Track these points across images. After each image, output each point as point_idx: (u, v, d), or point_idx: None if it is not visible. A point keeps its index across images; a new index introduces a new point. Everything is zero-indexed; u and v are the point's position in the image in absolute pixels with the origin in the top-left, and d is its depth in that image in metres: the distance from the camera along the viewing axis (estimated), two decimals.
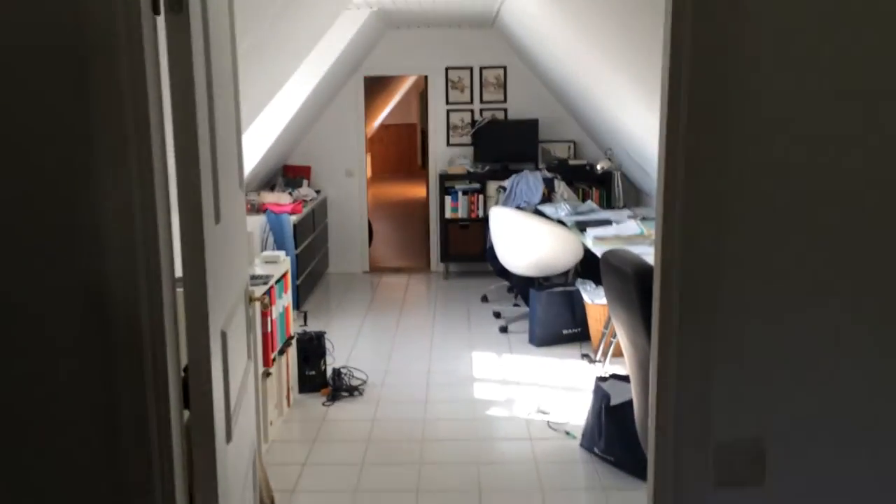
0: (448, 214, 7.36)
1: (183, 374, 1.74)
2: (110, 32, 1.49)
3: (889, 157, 1.59)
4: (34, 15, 1.48)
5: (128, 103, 1.52)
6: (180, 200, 1.64)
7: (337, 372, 4.67)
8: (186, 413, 1.75)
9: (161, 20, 1.59)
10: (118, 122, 1.52)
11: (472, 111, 7.68)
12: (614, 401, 3.56)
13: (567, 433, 4.00)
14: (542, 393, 4.57)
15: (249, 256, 4.04)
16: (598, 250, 4.66)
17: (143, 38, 1.51)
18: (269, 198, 6.35)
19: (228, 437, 1.92)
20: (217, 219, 1.84)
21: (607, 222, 5.50)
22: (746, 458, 1.69)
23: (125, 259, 1.57)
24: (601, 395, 3.66)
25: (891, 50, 1.56)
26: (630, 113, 5.23)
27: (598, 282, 5.09)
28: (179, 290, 1.68)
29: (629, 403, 3.23)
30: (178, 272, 1.69)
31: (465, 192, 7.32)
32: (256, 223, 5.94)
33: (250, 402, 2.45)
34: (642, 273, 2.55)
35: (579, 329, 5.44)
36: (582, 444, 3.83)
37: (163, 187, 1.61)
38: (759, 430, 1.68)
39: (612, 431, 3.57)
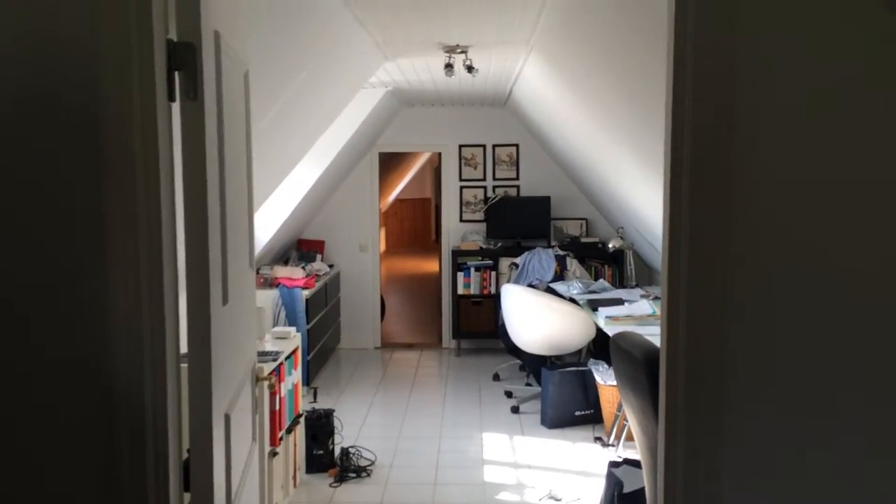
0: (461, 290, 7.36)
1: (186, 455, 1.71)
2: (126, 117, 1.53)
3: None
4: (54, 96, 1.52)
5: (140, 185, 1.54)
6: (188, 283, 1.65)
7: (345, 452, 4.58)
8: (187, 496, 1.71)
9: (176, 106, 1.63)
10: (130, 203, 1.54)
11: (484, 188, 7.76)
12: (627, 488, 3.46)
13: None
14: (554, 477, 4.46)
15: (260, 332, 4.02)
16: (610, 330, 4.61)
17: (158, 124, 1.54)
18: (282, 272, 6.38)
19: None
20: (225, 300, 1.84)
21: (619, 301, 5.47)
22: None
23: (130, 339, 1.56)
24: (614, 482, 3.56)
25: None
26: (640, 192, 5.26)
27: (610, 362, 5.02)
28: (184, 365, 1.67)
29: (642, 491, 3.14)
30: (184, 347, 1.68)
31: (477, 269, 7.33)
32: (269, 297, 5.96)
33: (254, 484, 2.40)
34: (652, 358, 2.51)
35: (592, 410, 5.34)
36: None
37: (171, 267, 1.61)
38: None
39: None
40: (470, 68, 4.75)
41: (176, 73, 1.60)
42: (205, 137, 1.62)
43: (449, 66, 4.71)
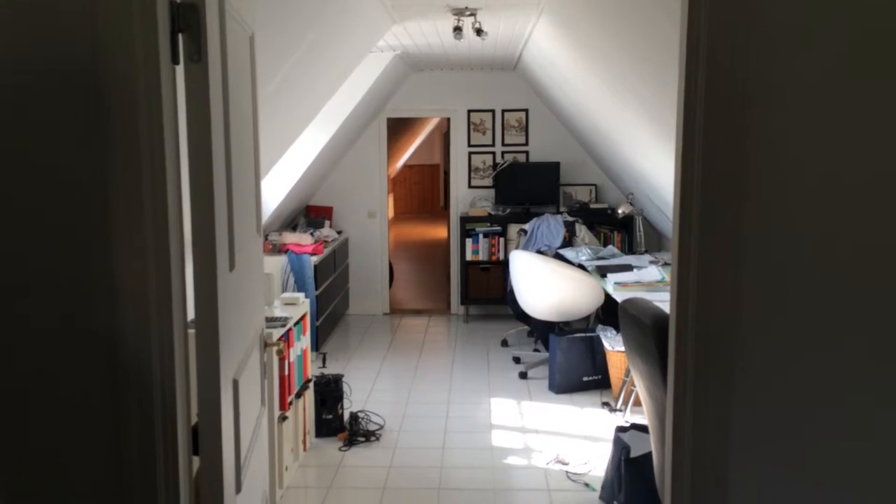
0: (469, 257, 7.34)
1: (195, 420, 1.72)
2: (129, 81, 1.50)
3: None
4: (54, 62, 1.50)
5: (145, 150, 1.52)
6: (194, 249, 1.64)
7: (354, 416, 4.62)
8: (196, 459, 1.72)
9: (180, 69, 1.61)
10: (134, 169, 1.53)
11: (493, 153, 7.70)
12: (634, 452, 3.48)
13: (586, 485, 3.91)
14: (562, 442, 4.48)
15: (269, 298, 4.03)
16: (619, 296, 4.60)
17: (162, 87, 1.52)
18: (290, 238, 6.38)
19: (238, 488, 1.88)
20: (231, 266, 1.83)
21: (628, 267, 5.45)
22: None
23: (137, 306, 1.56)
24: (621, 447, 3.58)
25: None
26: (650, 158, 5.21)
27: (618, 328, 5.02)
28: (192, 331, 1.67)
29: (649, 455, 3.15)
30: (192, 313, 1.68)
31: (485, 235, 7.31)
32: (277, 263, 5.97)
33: (263, 449, 2.41)
34: (661, 324, 2.50)
35: (600, 376, 5.36)
36: (601, 497, 3.73)
37: (177, 233, 1.60)
38: (779, 495, 1.62)
39: (631, 485, 3.48)
40: (479, 31, 4.68)
41: (179, 35, 1.58)
42: (210, 100, 1.60)
43: (458, 30, 4.65)
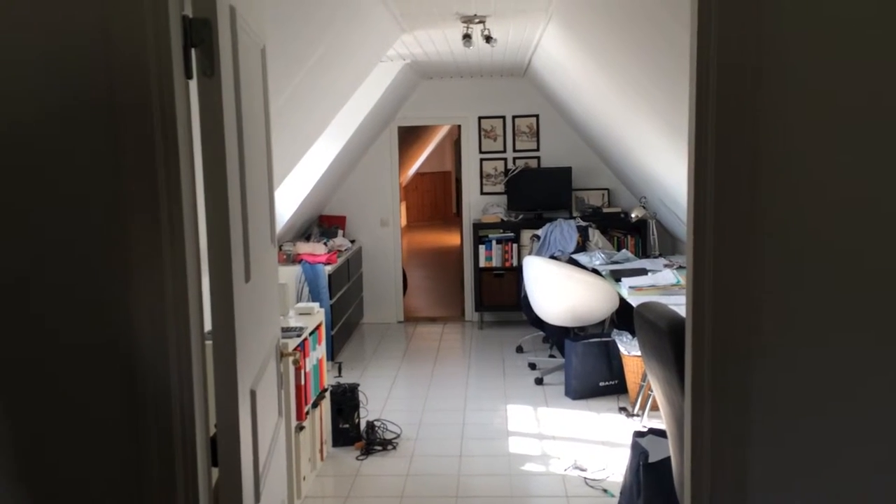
0: (482, 263, 7.34)
1: (213, 431, 1.73)
2: (144, 96, 1.52)
3: None
4: (68, 78, 1.52)
5: (159, 164, 1.54)
6: (210, 260, 1.65)
7: (371, 425, 4.62)
8: (215, 471, 1.73)
9: (194, 83, 1.62)
10: (150, 182, 1.54)
11: (504, 160, 7.71)
12: (652, 458, 3.46)
13: (605, 491, 3.89)
14: (579, 448, 4.47)
15: (283, 308, 4.05)
16: (634, 300, 4.59)
17: (176, 102, 1.53)
18: (304, 248, 6.41)
19: (257, 498, 1.89)
20: (247, 277, 1.84)
21: (643, 271, 5.43)
22: None
23: (154, 319, 1.57)
24: (639, 452, 3.56)
25: None
26: (662, 161, 5.20)
27: (634, 332, 5.00)
28: (209, 342, 1.68)
29: (668, 460, 3.13)
30: (209, 324, 1.69)
31: (498, 241, 7.31)
32: (292, 273, 5.99)
33: (281, 460, 2.42)
34: (677, 328, 2.49)
35: (616, 381, 5.33)
36: (620, 503, 3.71)
37: (193, 246, 1.62)
38: (798, 499, 1.60)
39: (650, 490, 3.46)
40: (488, 38, 4.69)
41: (192, 50, 1.59)
42: (223, 114, 1.61)
43: (467, 37, 4.66)
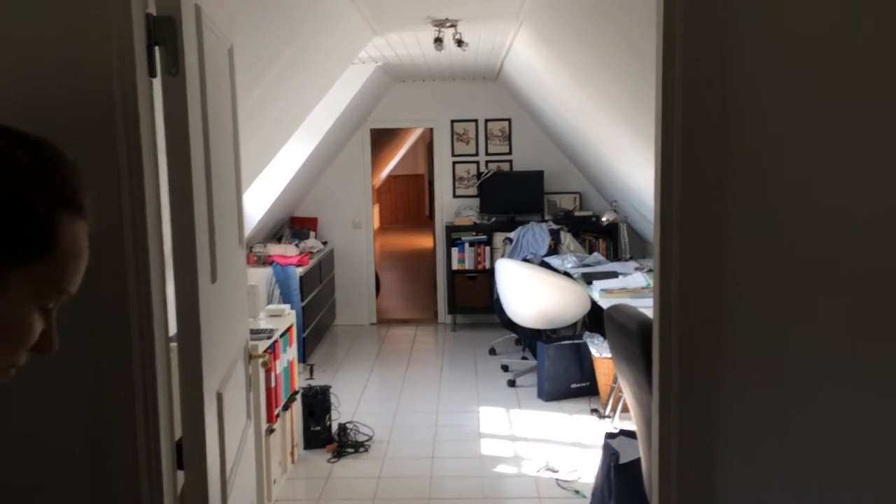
0: (455, 266, 7.35)
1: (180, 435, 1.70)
2: (106, 94, 1.50)
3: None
4: (28, 75, 1.49)
5: (122, 164, 1.51)
6: (175, 262, 1.63)
7: (343, 427, 4.60)
8: (181, 474, 1.71)
9: (158, 82, 1.60)
10: (112, 183, 1.51)
11: (477, 163, 7.72)
12: (623, 459, 3.48)
13: (576, 492, 3.90)
14: (551, 449, 4.48)
15: (253, 310, 4.01)
16: (605, 303, 4.61)
17: (139, 100, 1.51)
18: (275, 249, 6.36)
19: (224, 502, 1.87)
20: (213, 278, 1.82)
21: (614, 274, 5.46)
22: None
23: (119, 320, 1.55)
24: (610, 453, 3.58)
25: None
26: (632, 165, 5.24)
27: (605, 335, 5.03)
28: (174, 344, 1.66)
29: (638, 461, 3.15)
30: (174, 328, 1.67)
31: (471, 244, 7.31)
32: (263, 275, 5.94)
33: (250, 463, 2.40)
34: (646, 330, 2.51)
35: (588, 383, 5.36)
36: None
37: (157, 247, 1.59)
38: (765, 498, 1.62)
39: (621, 491, 3.47)
40: (459, 42, 4.70)
41: (156, 48, 1.57)
42: (188, 113, 1.59)
43: (438, 41, 4.66)
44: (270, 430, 3.77)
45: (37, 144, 0.79)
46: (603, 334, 5.17)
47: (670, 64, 1.57)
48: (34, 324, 0.79)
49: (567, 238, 6.78)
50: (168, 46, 1.57)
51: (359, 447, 4.50)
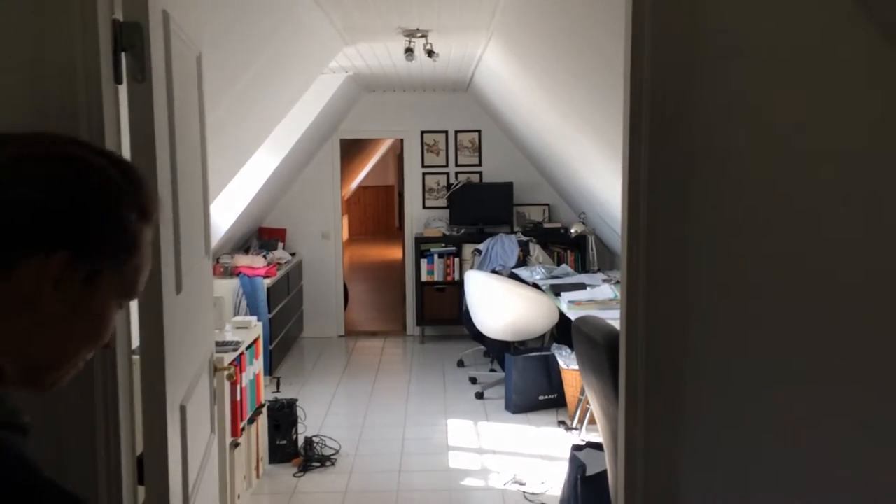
0: (424, 277, 7.33)
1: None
2: (71, 100, 1.47)
3: (861, 216, 1.59)
4: None
5: None
6: None
7: (309, 441, 4.55)
8: (142, 490, 1.67)
9: (123, 89, 1.57)
10: None
11: (447, 174, 7.73)
12: (590, 471, 3.49)
13: None
14: (519, 462, 4.47)
15: (219, 322, 3.96)
16: (573, 315, 4.63)
17: (104, 107, 1.48)
18: (242, 261, 6.29)
19: None
20: (178, 289, 1.79)
21: (582, 286, 5.50)
22: None
23: None
24: (577, 465, 3.59)
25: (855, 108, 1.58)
26: (600, 177, 5.28)
27: (573, 346, 5.05)
28: (137, 357, 1.63)
29: (605, 473, 3.16)
30: (137, 341, 1.64)
31: (440, 255, 7.31)
32: (229, 287, 5.87)
33: (213, 477, 2.36)
34: (613, 342, 2.52)
35: (556, 395, 5.37)
36: None
37: None
38: (731, 501, 1.63)
39: (587, 502, 3.48)
40: (430, 53, 4.71)
41: (122, 55, 1.55)
42: (154, 121, 1.57)
43: (409, 51, 4.67)
44: (235, 444, 3.72)
45: (120, 161, 0.92)
46: (571, 346, 5.19)
47: (637, 77, 1.58)
48: (113, 321, 0.91)
49: (536, 250, 6.81)
50: (135, 53, 1.55)
51: (325, 461, 4.45)
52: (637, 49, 1.58)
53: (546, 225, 7.43)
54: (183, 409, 1.80)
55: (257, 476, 4.19)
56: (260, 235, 7.45)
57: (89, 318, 0.87)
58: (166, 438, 1.63)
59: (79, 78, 1.47)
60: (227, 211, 5.90)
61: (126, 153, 1.58)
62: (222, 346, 3.69)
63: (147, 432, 1.62)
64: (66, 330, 0.86)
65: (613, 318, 3.24)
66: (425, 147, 7.72)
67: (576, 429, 4.90)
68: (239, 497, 3.79)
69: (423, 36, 4.53)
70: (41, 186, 0.84)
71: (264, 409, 4.35)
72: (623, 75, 1.63)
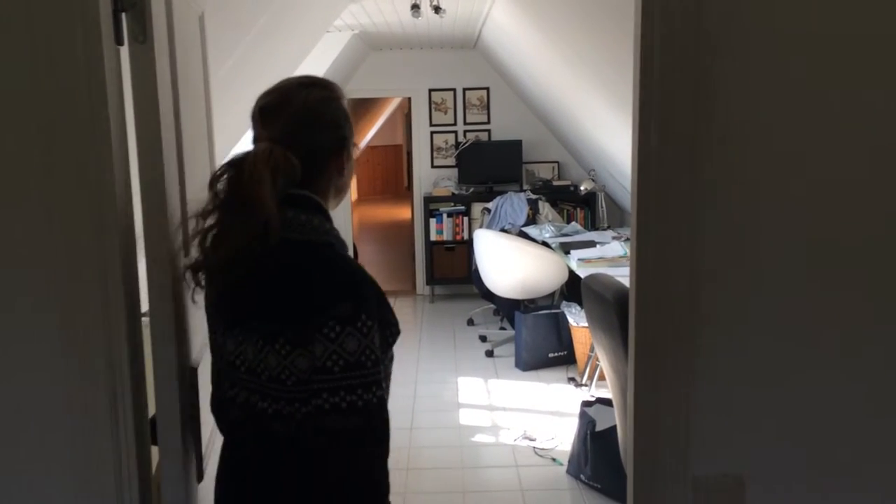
0: (433, 237, 7.33)
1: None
2: (70, 64, 1.45)
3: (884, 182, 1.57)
4: None
5: (88, 136, 1.47)
6: (146, 235, 1.60)
7: None
8: (156, 450, 1.69)
9: (125, 50, 1.56)
10: (81, 154, 1.47)
11: (455, 133, 7.67)
12: (600, 426, 3.52)
13: (553, 460, 3.94)
14: (529, 418, 4.52)
15: None
16: (583, 272, 4.63)
17: (105, 69, 1.46)
18: None
19: (200, 477, 1.86)
20: (186, 252, 1.79)
21: (591, 244, 5.48)
22: (726, 494, 1.65)
23: (89, 294, 1.52)
24: (586, 421, 3.62)
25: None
26: (610, 133, 5.23)
27: (583, 304, 5.06)
28: (147, 319, 1.64)
29: (615, 429, 3.18)
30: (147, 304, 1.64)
31: (449, 215, 7.29)
32: None
33: None
34: (623, 298, 2.52)
35: (565, 352, 5.40)
36: (568, 471, 3.77)
37: (126, 220, 1.56)
38: (739, 467, 1.64)
39: (598, 458, 3.52)
40: (437, 9, 4.64)
41: (122, 15, 1.52)
42: (156, 82, 1.55)
43: (415, 7, 4.60)
44: None
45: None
46: (580, 304, 5.21)
47: (648, 25, 1.55)
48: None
49: (545, 208, 6.79)
50: (135, 13, 1.52)
51: None
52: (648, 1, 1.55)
53: (555, 183, 7.38)
54: (194, 371, 1.82)
55: None
56: None
57: (351, 171, 1.64)
58: (177, 399, 1.65)
59: (78, 39, 1.44)
60: None
61: (129, 114, 1.57)
62: None
63: (158, 394, 1.64)
64: (348, 177, 1.63)
65: (623, 275, 3.24)
66: (433, 106, 7.65)
67: (585, 385, 4.93)
68: None
69: None
70: (340, 114, 1.58)
71: None
72: (633, 26, 1.60)
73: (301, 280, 1.42)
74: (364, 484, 1.41)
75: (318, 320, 1.37)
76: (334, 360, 1.36)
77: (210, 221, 1.48)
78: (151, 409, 1.69)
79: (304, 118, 1.50)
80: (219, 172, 1.49)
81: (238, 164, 1.46)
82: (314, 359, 1.37)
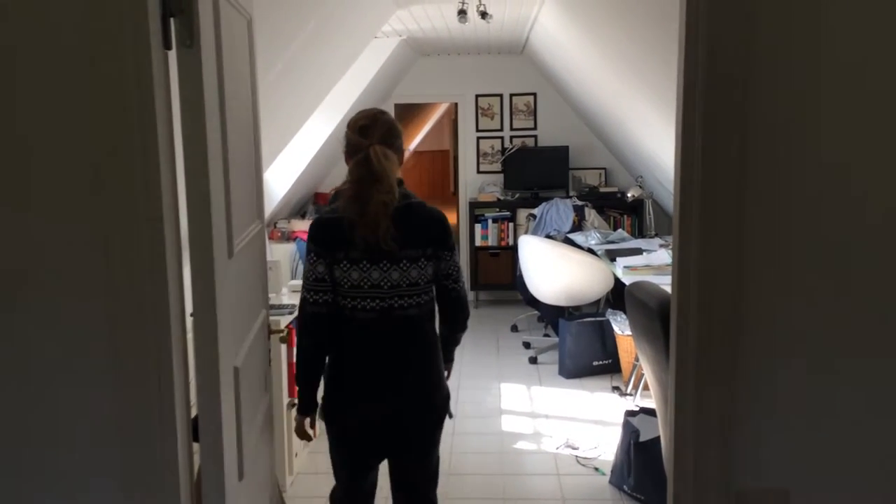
0: (478, 242, 7.32)
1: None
2: (120, 67, 1.48)
3: None
4: (42, 49, 1.49)
5: (136, 138, 1.50)
6: (190, 237, 1.63)
7: None
8: (197, 447, 1.72)
9: (173, 55, 1.59)
10: (126, 158, 1.51)
11: (501, 138, 7.65)
12: (644, 437, 3.46)
13: (596, 469, 3.90)
14: (572, 427, 4.47)
15: (276, 285, 4.03)
16: (628, 280, 4.57)
17: (153, 73, 1.50)
18: (298, 225, 6.37)
19: (240, 475, 1.88)
20: (230, 253, 1.82)
21: (638, 251, 5.41)
22: None
23: (134, 293, 1.55)
24: (630, 431, 3.57)
25: None
26: (659, 140, 5.16)
27: (626, 312, 4.99)
28: (191, 318, 1.66)
29: (658, 440, 3.13)
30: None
31: (495, 220, 7.28)
32: (286, 251, 5.96)
33: (267, 437, 2.41)
34: (666, 308, 2.47)
35: (610, 360, 5.33)
36: (611, 481, 3.72)
37: (173, 222, 1.59)
38: (782, 480, 1.60)
39: (641, 469, 3.46)
40: (484, 14, 4.64)
41: (171, 20, 1.56)
42: (203, 86, 1.58)
43: (462, 13, 4.61)
44: (292, 405, 3.80)
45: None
46: (626, 311, 5.14)
47: (693, 34, 1.53)
48: None
49: (591, 214, 6.72)
50: (183, 18, 1.56)
51: None
52: (692, 7, 1.52)
53: (602, 189, 7.31)
54: (236, 370, 1.84)
55: (315, 434, 4.28)
56: (316, 201, 7.52)
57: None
58: (219, 398, 1.67)
59: (127, 44, 1.48)
60: (283, 176, 5.97)
61: (176, 118, 1.60)
62: (278, 309, 3.76)
63: (200, 392, 1.67)
64: (400, 161, 2.39)
65: (669, 283, 3.19)
66: (480, 111, 7.65)
67: (630, 394, 4.86)
68: (297, 455, 3.89)
69: None
70: (400, 130, 2.45)
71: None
72: (678, 30, 1.58)
73: (430, 223, 2.38)
74: (465, 312, 2.54)
75: (442, 247, 2.38)
76: (452, 267, 2.41)
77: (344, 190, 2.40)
78: (193, 409, 1.72)
79: (388, 131, 2.36)
80: (354, 160, 2.36)
81: (366, 156, 2.30)
82: (440, 268, 2.38)
